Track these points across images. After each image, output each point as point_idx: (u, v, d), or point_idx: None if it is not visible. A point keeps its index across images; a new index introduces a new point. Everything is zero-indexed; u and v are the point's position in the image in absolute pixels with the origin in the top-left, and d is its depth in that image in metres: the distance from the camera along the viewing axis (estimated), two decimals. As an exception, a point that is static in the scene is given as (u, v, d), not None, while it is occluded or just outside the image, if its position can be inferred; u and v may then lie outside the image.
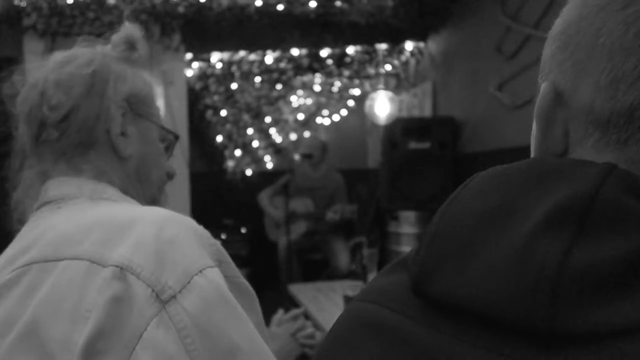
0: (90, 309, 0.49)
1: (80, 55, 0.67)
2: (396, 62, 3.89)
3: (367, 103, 2.12)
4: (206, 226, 0.59)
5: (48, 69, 0.66)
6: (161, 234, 0.53)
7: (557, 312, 0.27)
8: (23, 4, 3.10)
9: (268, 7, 3.19)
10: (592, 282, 0.27)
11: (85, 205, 0.61)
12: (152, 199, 0.71)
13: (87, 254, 0.52)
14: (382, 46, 3.68)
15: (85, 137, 0.64)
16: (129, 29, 0.72)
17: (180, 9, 3.01)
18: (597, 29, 0.33)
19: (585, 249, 0.27)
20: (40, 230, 0.59)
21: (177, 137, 0.76)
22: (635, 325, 0.26)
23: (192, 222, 0.57)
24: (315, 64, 3.93)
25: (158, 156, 0.72)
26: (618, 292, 0.26)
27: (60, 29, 3.24)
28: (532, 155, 0.38)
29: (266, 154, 4.58)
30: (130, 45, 0.71)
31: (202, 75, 3.97)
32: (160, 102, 0.75)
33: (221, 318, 0.51)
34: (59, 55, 0.68)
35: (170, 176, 0.75)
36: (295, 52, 3.78)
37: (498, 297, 0.28)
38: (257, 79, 4.26)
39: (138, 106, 0.69)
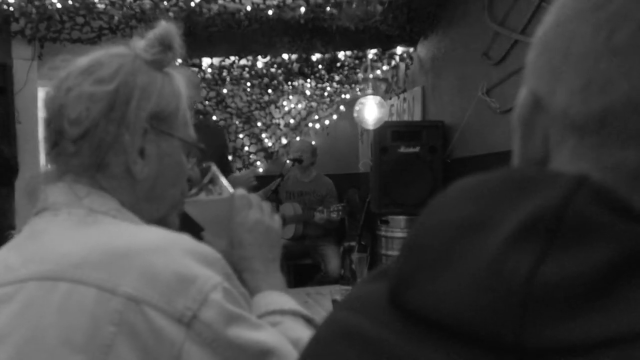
0: (109, 344, 0.49)
1: (106, 64, 0.64)
2: (386, 67, 3.90)
3: (356, 108, 2.12)
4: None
5: (71, 77, 0.63)
6: (168, 260, 0.53)
7: (526, 326, 0.27)
8: (11, 9, 3.06)
9: (258, 12, 3.18)
10: (562, 296, 0.26)
11: (83, 218, 0.59)
12: (161, 220, 0.69)
13: (94, 280, 0.52)
14: (372, 51, 3.69)
15: (100, 159, 0.62)
16: (166, 27, 0.68)
17: (170, 14, 2.99)
18: (571, 33, 0.33)
19: (554, 262, 0.27)
20: (39, 244, 0.58)
21: (202, 150, 0.73)
22: (609, 337, 0.25)
23: (193, 242, 0.58)
24: (305, 69, 3.93)
25: (177, 175, 0.70)
26: (589, 305, 0.26)
27: (48, 34, 3.21)
28: (514, 162, 0.38)
29: (257, 158, 4.57)
30: (166, 46, 0.67)
31: (193, 80, 3.95)
32: (185, 104, 0.70)
33: (243, 328, 0.55)
34: (83, 61, 0.65)
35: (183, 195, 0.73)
36: (285, 57, 3.78)
37: (469, 310, 0.28)
38: (248, 84, 4.25)
39: (161, 124, 0.66)
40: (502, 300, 0.27)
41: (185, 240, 0.57)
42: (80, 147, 0.62)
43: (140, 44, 0.67)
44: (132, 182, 0.64)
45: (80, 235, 0.57)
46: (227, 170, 2.46)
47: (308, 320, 0.70)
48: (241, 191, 0.82)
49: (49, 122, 0.64)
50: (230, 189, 0.81)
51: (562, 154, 0.34)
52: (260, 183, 3.39)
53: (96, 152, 0.62)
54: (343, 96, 4.57)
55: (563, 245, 0.27)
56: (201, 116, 3.55)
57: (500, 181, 0.32)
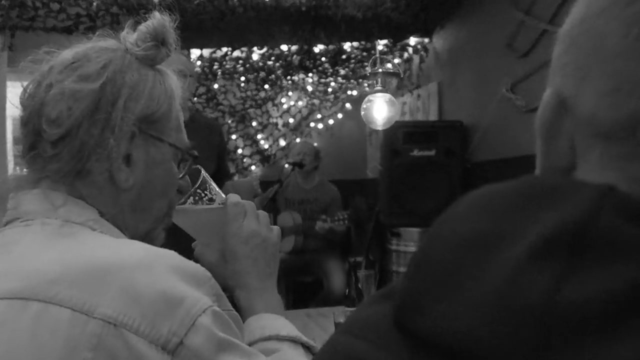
0: None
1: (93, 58, 0.64)
2: (397, 60, 3.91)
3: (364, 106, 2.12)
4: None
5: (53, 72, 0.63)
6: (152, 279, 0.53)
7: (544, 352, 0.27)
8: (-22, -6, 3.09)
9: (254, -2, 3.20)
10: (586, 318, 0.27)
11: (58, 230, 0.60)
12: (146, 233, 0.69)
13: (68, 300, 0.52)
14: (382, 42, 3.70)
15: (80, 166, 0.62)
16: (160, 20, 0.68)
17: (155, 0, 3.01)
18: (599, 30, 0.33)
19: (577, 281, 0.27)
20: (9, 258, 0.58)
21: (194, 157, 0.74)
22: None
23: (180, 259, 0.58)
24: (307, 62, 3.94)
25: (166, 185, 0.70)
26: (616, 329, 0.26)
27: (20, 23, 3.23)
28: (537, 171, 0.38)
29: (252, 162, 4.58)
30: (159, 41, 0.68)
31: (181, 75, 3.97)
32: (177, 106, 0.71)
33: (235, 356, 0.55)
34: (68, 54, 0.65)
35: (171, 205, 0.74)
36: (284, 48, 3.79)
37: (482, 334, 0.29)
38: (242, 79, 4.27)
39: (151, 127, 0.66)
40: (519, 323, 0.27)
41: (171, 256, 0.57)
42: (59, 150, 0.62)
43: (131, 37, 0.68)
44: (115, 191, 0.64)
45: (54, 249, 0.57)
46: (225, 174, 2.46)
47: (308, 348, 0.70)
48: (235, 197, 0.82)
49: (26, 122, 0.64)
50: (222, 195, 0.81)
51: (588, 162, 0.34)
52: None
53: (77, 157, 0.62)
54: (349, 92, 4.58)
55: (587, 263, 0.28)
56: (196, 109, 3.55)
57: (519, 191, 0.32)
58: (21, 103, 0.65)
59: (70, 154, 0.61)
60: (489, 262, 0.30)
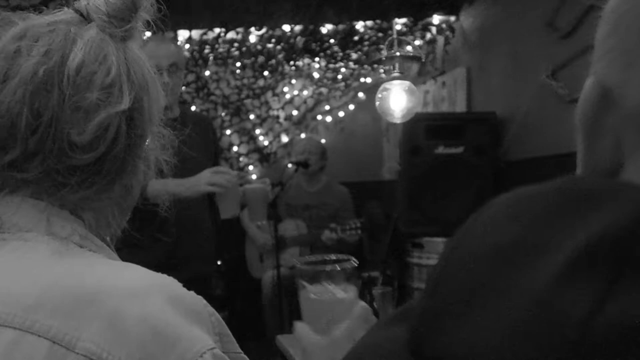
0: None
1: (41, 38, 0.62)
2: (419, 41, 3.91)
3: (379, 95, 2.12)
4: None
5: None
6: (144, 311, 0.54)
7: None
8: None
9: (251, -29, 3.21)
10: (633, 344, 0.26)
11: (38, 246, 0.60)
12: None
13: (47, 330, 0.52)
14: (400, 21, 3.70)
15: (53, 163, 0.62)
16: None
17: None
18: None
19: (622, 300, 0.27)
20: None
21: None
22: None
23: (179, 288, 0.58)
24: (313, 45, 3.95)
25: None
26: None
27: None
28: (577, 171, 0.38)
29: (249, 161, 4.59)
30: (129, 7, 0.65)
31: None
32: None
33: None
34: (15, 30, 0.63)
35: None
36: (286, 29, 3.80)
37: None
38: (238, 64, 4.28)
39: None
40: (553, 349, 0.27)
41: (169, 284, 0.58)
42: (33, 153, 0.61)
43: (95, 1, 0.66)
44: (116, 197, 0.67)
45: (33, 268, 0.58)
46: None
47: None
48: (363, 306, 0.82)
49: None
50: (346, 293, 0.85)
51: (637, 162, 0.34)
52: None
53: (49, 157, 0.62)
54: (362, 80, 4.58)
55: (633, 279, 0.27)
56: (184, 101, 3.57)
57: (555, 195, 0.32)
58: None
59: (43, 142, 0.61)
60: (518, 278, 0.30)
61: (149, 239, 1.85)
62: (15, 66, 0.61)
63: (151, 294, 0.56)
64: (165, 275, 0.59)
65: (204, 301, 0.59)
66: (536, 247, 0.31)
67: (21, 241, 0.60)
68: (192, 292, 0.59)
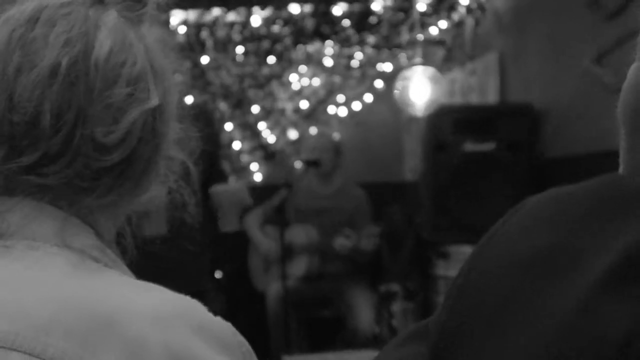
0: None
1: (62, 21, 0.61)
2: (445, 23, 3.90)
3: (398, 84, 2.12)
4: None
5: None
6: (167, 337, 0.54)
7: None
8: None
9: (254, -56, 3.22)
10: None
11: (49, 257, 0.60)
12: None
13: (60, 355, 0.53)
14: (424, 0, 3.69)
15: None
16: None
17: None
18: None
19: None
20: None
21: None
22: None
23: (205, 314, 0.59)
24: (324, 28, 3.95)
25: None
26: None
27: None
28: (620, 169, 0.39)
29: (253, 160, 4.60)
30: None
31: (159, 45, 4.01)
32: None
33: None
34: (28, 8, 0.62)
35: None
36: (295, 9, 3.81)
37: None
38: (240, 50, 4.29)
39: None
40: None
41: (194, 308, 0.59)
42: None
43: None
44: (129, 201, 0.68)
45: (45, 281, 0.58)
46: (220, 176, 2.48)
47: None
48: None
49: None
50: None
51: None
52: (257, 197, 3.40)
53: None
54: (380, 67, 4.58)
55: None
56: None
57: (595, 196, 0.32)
58: None
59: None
60: (551, 290, 0.30)
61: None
62: (31, 55, 0.60)
63: (175, 319, 0.56)
64: (190, 299, 0.60)
65: (233, 329, 0.60)
66: (572, 255, 0.31)
67: (29, 250, 0.60)
68: (219, 319, 0.60)
